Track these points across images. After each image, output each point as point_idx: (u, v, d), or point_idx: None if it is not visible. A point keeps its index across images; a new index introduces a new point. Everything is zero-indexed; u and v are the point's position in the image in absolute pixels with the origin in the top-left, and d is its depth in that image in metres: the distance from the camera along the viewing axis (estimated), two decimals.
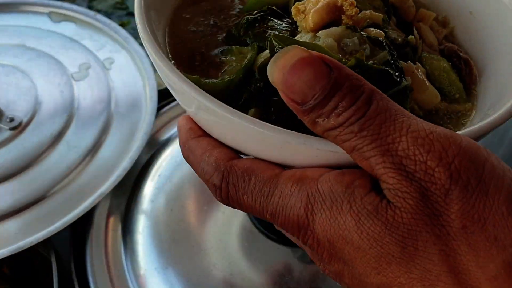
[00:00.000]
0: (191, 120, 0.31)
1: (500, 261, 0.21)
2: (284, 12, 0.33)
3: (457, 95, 0.32)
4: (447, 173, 0.22)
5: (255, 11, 0.32)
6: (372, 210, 0.24)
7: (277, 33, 0.30)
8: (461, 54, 0.33)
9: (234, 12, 0.35)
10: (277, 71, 0.24)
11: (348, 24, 0.30)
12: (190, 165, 0.31)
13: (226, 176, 0.28)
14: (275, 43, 0.28)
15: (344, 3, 0.29)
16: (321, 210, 0.25)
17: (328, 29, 0.29)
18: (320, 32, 0.29)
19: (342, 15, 0.30)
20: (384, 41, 0.30)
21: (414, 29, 0.33)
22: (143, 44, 0.31)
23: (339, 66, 0.23)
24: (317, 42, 0.29)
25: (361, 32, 0.29)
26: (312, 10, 0.29)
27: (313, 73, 0.23)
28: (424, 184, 0.22)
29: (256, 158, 0.28)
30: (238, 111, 0.27)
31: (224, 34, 0.33)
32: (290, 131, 0.26)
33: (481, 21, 0.34)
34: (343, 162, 0.25)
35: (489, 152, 0.23)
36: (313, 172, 0.26)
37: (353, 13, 0.30)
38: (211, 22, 0.34)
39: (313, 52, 0.24)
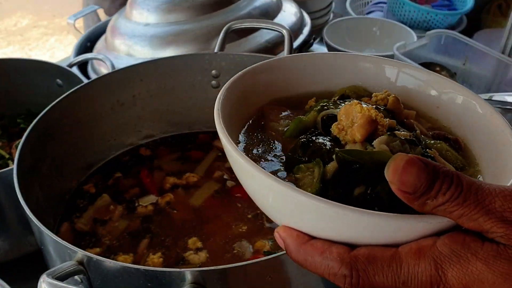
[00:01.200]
0: (292, 229, 0.37)
1: None
2: (319, 133, 0.42)
3: (462, 165, 0.42)
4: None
5: (300, 136, 0.41)
6: (496, 254, 0.32)
7: (328, 148, 0.39)
8: (449, 136, 0.44)
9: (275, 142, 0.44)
10: (392, 173, 0.32)
11: (384, 131, 0.39)
12: (309, 267, 0.36)
13: (354, 266, 0.34)
14: (343, 156, 0.37)
15: (377, 117, 0.39)
16: (451, 266, 0.33)
17: (378, 138, 0.38)
18: (374, 142, 0.38)
19: (378, 125, 0.39)
20: (414, 139, 0.39)
21: (415, 125, 0.43)
22: (240, 165, 0.37)
23: (429, 161, 0.33)
24: (373, 149, 0.38)
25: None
26: (357, 126, 0.39)
27: (417, 169, 0.32)
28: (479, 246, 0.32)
29: (369, 245, 0.35)
30: (352, 207, 0.33)
31: (283, 160, 0.42)
32: (400, 215, 0.33)
33: (447, 111, 0.46)
34: (443, 228, 0.34)
35: None
36: (426, 242, 0.34)
37: (385, 123, 0.39)
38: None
39: (412, 155, 0.33)
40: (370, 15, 1.67)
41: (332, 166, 0.38)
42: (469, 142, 0.45)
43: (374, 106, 0.42)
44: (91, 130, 0.88)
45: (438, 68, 1.28)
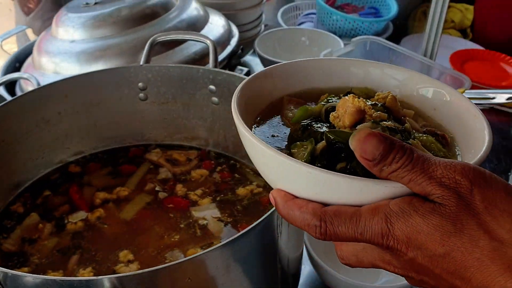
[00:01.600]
0: (282, 190, 0.47)
1: (510, 220, 0.40)
2: (321, 120, 0.51)
3: (444, 156, 0.49)
4: (468, 181, 0.40)
5: (303, 121, 0.50)
6: (431, 210, 0.41)
7: (322, 131, 0.48)
8: (438, 132, 0.52)
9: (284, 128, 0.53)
10: (355, 142, 0.41)
11: (371, 120, 0.47)
12: (290, 220, 0.46)
13: (323, 218, 0.43)
14: (330, 135, 0.45)
15: (365, 107, 0.48)
16: (398, 220, 0.41)
17: (361, 124, 0.47)
18: (357, 126, 0.46)
19: (365, 115, 0.48)
20: (395, 127, 0.47)
21: (406, 120, 0.51)
22: (247, 139, 0.46)
23: (388, 136, 0.42)
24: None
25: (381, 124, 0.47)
26: (347, 114, 0.48)
27: (376, 140, 0.41)
28: (457, 189, 0.40)
29: (337, 204, 0.44)
30: (322, 168, 0.42)
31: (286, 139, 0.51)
32: (361, 178, 0.42)
33: (441, 113, 0.55)
34: (398, 193, 0.42)
35: (485, 169, 0.42)
36: (383, 202, 0.43)
37: (372, 114, 0.48)
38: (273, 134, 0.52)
39: (374, 130, 0.42)
40: (302, 26, 1.73)
41: (321, 144, 0.46)
42: (456, 136, 0.53)
43: (373, 102, 0.51)
44: (17, 149, 0.87)
45: None
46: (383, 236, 0.42)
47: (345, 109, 0.48)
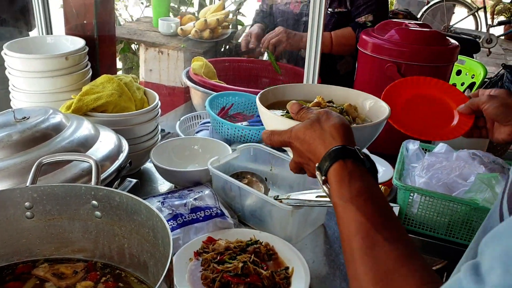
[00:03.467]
0: (268, 130, 1.01)
1: (332, 124, 0.89)
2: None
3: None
4: (321, 113, 0.93)
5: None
6: (305, 122, 0.92)
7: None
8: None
9: None
10: (288, 106, 1.03)
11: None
12: (268, 142, 1.00)
13: (269, 135, 0.98)
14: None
15: (321, 101, 1.11)
16: (294, 128, 0.93)
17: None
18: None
19: (321, 105, 1.09)
20: (338, 108, 1.10)
21: (346, 110, 1.12)
22: (263, 112, 1.09)
23: (300, 104, 1.01)
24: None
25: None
26: (313, 103, 1.11)
27: (297, 105, 1.00)
28: (317, 116, 0.92)
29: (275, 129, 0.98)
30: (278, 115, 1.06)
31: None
32: (290, 119, 0.99)
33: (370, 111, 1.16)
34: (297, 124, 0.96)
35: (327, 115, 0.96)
36: (295, 128, 0.94)
37: (325, 105, 1.09)
38: None
39: (296, 102, 1.03)
40: (198, 134, 1.88)
41: (289, 114, 1.03)
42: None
43: (337, 106, 1.11)
44: None
45: (249, 175, 1.48)
46: (289, 136, 0.92)
47: (313, 103, 1.10)
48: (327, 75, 2.38)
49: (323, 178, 0.83)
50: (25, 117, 1.22)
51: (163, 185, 1.63)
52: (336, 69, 2.63)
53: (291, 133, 0.92)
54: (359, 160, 0.82)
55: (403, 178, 1.44)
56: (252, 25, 2.81)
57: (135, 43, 3.45)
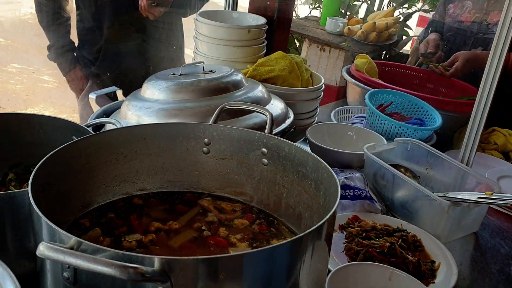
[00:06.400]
0: None
1: None
2: None
3: None
4: None
5: None
6: None
7: None
8: None
9: None
10: None
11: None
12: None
13: None
14: None
15: None
16: None
17: None
18: None
19: None
20: None
21: None
22: None
23: None
24: None
25: None
26: None
27: None
28: None
29: None
30: None
31: None
32: None
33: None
34: None
35: None
36: None
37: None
38: None
39: None
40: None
41: None
42: None
43: None
44: (95, 174, 1.04)
45: (402, 169, 1.46)
46: None
47: None
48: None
49: None
50: (211, 70, 1.35)
51: None
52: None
53: None
54: None
55: None
56: (424, 33, 2.78)
57: (301, 38, 3.58)
